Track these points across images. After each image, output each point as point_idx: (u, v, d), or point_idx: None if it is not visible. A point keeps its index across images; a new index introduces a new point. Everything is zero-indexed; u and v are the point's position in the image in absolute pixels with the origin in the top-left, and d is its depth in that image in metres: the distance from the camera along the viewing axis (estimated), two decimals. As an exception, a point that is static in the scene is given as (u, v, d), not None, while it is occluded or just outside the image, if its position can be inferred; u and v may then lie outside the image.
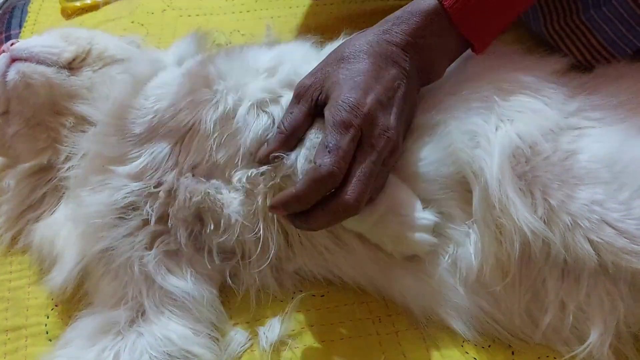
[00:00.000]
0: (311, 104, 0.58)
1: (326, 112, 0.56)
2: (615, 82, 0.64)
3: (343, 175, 0.54)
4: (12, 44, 0.67)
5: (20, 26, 0.96)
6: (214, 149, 0.60)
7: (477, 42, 0.62)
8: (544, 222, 0.55)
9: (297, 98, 0.59)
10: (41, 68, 0.65)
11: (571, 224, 0.54)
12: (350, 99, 0.55)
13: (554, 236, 0.55)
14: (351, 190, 0.54)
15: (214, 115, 0.60)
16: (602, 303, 0.55)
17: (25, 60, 0.65)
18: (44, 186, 0.67)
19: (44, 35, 0.71)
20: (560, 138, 0.58)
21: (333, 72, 0.58)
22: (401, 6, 0.62)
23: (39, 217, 0.66)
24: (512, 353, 0.59)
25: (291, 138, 0.58)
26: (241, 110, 0.60)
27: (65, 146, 0.65)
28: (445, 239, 0.60)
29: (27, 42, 0.68)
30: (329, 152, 0.54)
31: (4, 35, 0.96)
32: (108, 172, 0.61)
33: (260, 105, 0.61)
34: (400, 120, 0.58)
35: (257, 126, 0.60)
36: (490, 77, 0.62)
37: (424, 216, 0.58)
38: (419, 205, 0.59)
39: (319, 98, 0.58)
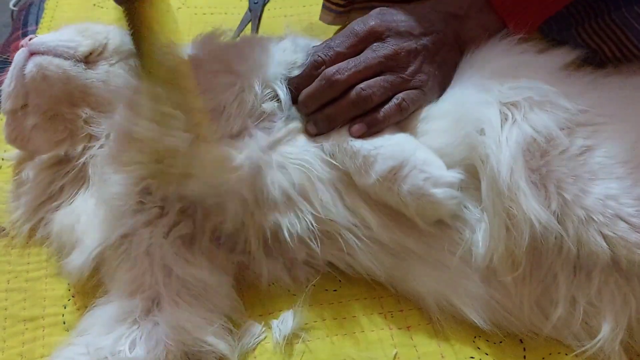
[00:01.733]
0: None
1: None
2: (629, 79, 0.64)
3: (325, 66, 0.64)
4: (30, 39, 0.68)
5: (37, 22, 0.98)
6: (234, 129, 0.62)
7: (511, 21, 0.66)
8: (558, 216, 0.55)
9: None
10: (58, 61, 0.66)
11: (585, 218, 0.54)
12: (370, 18, 0.65)
13: (564, 230, 0.55)
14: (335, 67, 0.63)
15: (236, 98, 0.62)
16: (613, 299, 0.56)
17: (43, 54, 0.66)
18: (62, 178, 0.68)
19: (61, 30, 0.72)
20: (574, 133, 0.58)
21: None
22: None
23: (57, 208, 0.67)
24: (524, 349, 0.59)
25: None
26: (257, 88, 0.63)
27: (91, 127, 0.67)
28: (461, 225, 0.60)
29: (45, 37, 0.69)
30: (326, 47, 0.65)
31: (21, 31, 0.97)
32: (133, 150, 0.62)
33: (284, 80, 0.64)
34: (424, 60, 0.64)
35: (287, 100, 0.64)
36: (501, 72, 0.62)
37: (450, 174, 0.58)
38: (442, 164, 0.59)
39: None
